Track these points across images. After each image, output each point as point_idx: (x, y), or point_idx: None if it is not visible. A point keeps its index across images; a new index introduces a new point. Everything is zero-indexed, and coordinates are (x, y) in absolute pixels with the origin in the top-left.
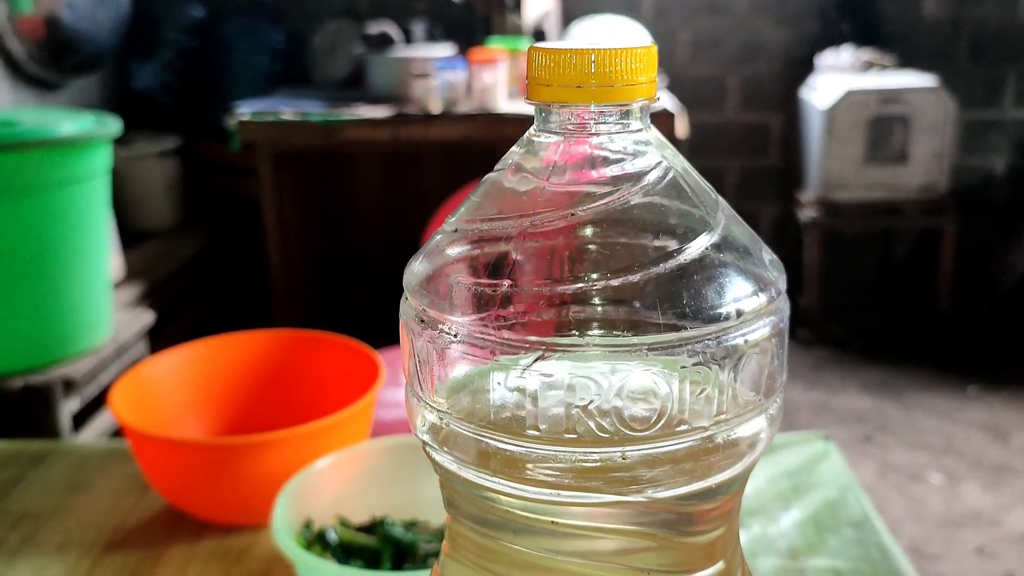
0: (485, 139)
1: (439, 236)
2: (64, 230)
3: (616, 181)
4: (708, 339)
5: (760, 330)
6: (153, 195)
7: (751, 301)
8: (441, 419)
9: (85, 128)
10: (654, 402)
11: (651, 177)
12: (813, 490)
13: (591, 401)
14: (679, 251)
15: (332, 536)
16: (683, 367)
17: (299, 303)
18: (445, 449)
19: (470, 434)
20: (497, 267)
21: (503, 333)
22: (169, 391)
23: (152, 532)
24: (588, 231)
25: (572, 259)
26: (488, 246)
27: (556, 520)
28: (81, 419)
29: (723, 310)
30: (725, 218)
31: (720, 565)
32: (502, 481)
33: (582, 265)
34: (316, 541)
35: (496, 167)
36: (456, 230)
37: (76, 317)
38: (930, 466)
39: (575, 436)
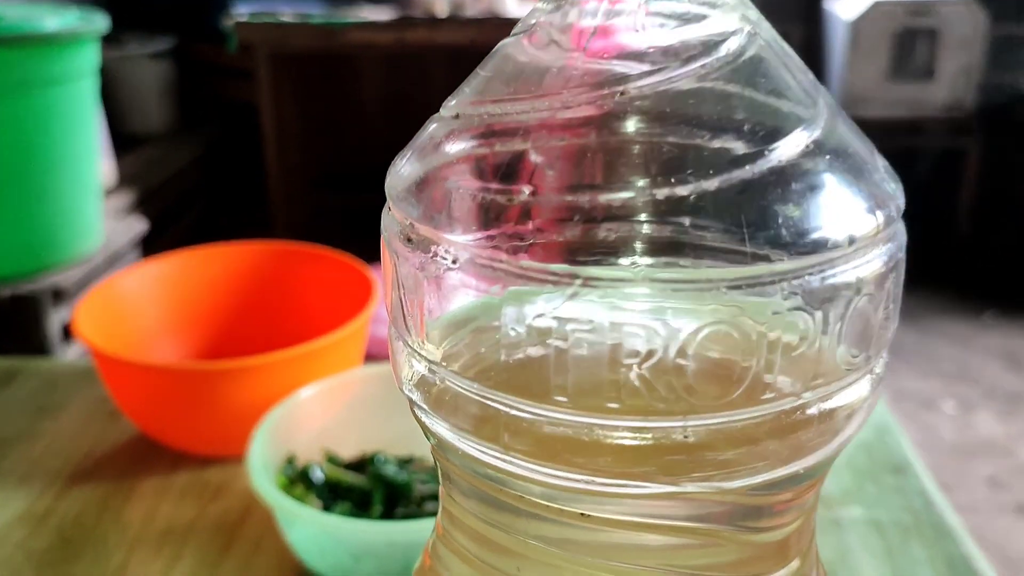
0: (493, 44)
1: (435, 125)
2: (50, 133)
3: (679, 53)
4: (809, 273)
5: (875, 262)
6: (146, 98)
7: (865, 223)
8: (434, 373)
9: (70, 24)
10: (731, 360)
11: (728, 48)
12: None
13: (643, 358)
14: (767, 151)
15: (317, 474)
16: (773, 312)
17: (298, 212)
18: (439, 414)
19: (473, 395)
20: (512, 168)
21: (520, 258)
22: (141, 309)
23: (123, 462)
24: (638, 122)
25: (614, 160)
26: (500, 141)
27: (587, 513)
28: (70, 330)
29: (829, 235)
30: (828, 110)
31: (794, 564)
32: (516, 460)
33: (629, 168)
34: (299, 479)
35: (514, 30)
36: (457, 116)
37: (64, 224)
38: (944, 394)
39: (618, 405)
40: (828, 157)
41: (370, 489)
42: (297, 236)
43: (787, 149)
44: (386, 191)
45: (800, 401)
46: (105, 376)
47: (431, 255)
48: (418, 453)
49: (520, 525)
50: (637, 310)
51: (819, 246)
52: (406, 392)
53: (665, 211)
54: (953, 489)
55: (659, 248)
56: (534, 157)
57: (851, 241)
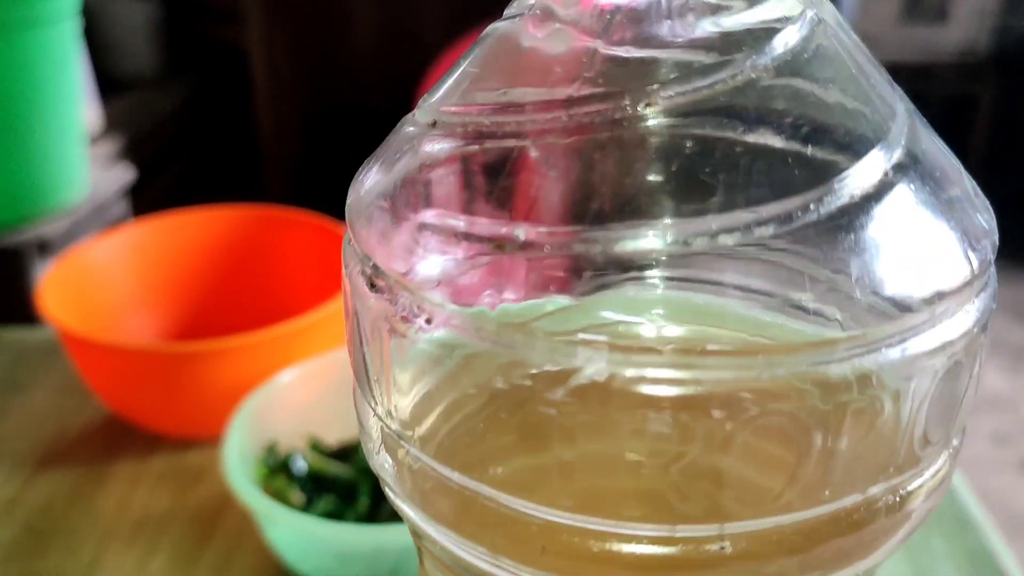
0: None
1: (407, 131)
2: (30, 77)
3: (725, 46)
4: (887, 345)
5: (966, 319)
6: (132, 40)
7: (955, 273)
8: (406, 452)
9: None
10: (781, 454)
11: (786, 42)
12: None
13: (669, 453)
14: (836, 185)
15: (299, 465)
16: (837, 394)
17: (290, 157)
18: (413, 500)
19: (454, 485)
20: (504, 199)
21: (518, 329)
22: (112, 281)
23: (95, 445)
24: (665, 141)
25: (635, 192)
26: (489, 161)
27: None
28: None
29: (910, 293)
30: (907, 118)
31: None
32: (508, 566)
33: (654, 204)
34: (280, 470)
35: (508, 11)
36: (435, 123)
37: (48, 172)
38: None
39: (638, 511)
40: (910, 186)
41: (356, 480)
42: (289, 183)
43: (860, 179)
44: (346, 213)
45: (865, 496)
46: (74, 357)
47: (400, 309)
48: None
49: None
50: (662, 394)
51: (899, 308)
52: (374, 468)
53: (698, 266)
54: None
55: (692, 313)
56: (532, 185)
57: (939, 298)
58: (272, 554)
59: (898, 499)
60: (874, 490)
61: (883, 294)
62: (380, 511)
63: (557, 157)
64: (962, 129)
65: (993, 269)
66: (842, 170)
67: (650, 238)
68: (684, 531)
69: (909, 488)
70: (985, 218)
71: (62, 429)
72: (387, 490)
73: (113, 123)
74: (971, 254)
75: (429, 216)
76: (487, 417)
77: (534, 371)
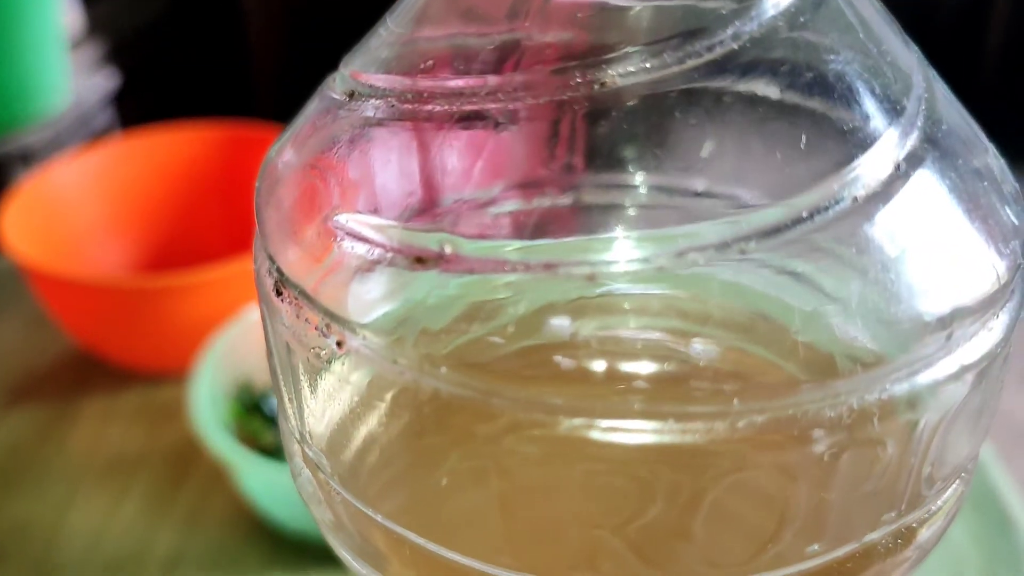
0: None
1: (320, 103)
2: None
3: (696, 16)
4: (891, 379)
5: (988, 337)
6: None
7: (978, 285)
8: (326, 482)
9: None
10: (761, 510)
11: (777, 3)
12: None
13: (626, 514)
14: (837, 180)
15: (274, 405)
16: (828, 439)
17: (280, 65)
18: (339, 538)
19: (379, 523)
20: (428, 200)
21: (440, 367)
22: (79, 207)
23: (65, 381)
24: (625, 133)
25: (588, 209)
26: (412, 144)
27: None
28: None
29: (923, 314)
30: (926, 92)
31: None
32: None
33: (612, 217)
34: (255, 410)
35: None
36: (352, 94)
37: (28, 81)
38: None
39: (591, 572)
40: (926, 180)
41: None
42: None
43: (866, 176)
44: (255, 198)
45: (862, 544)
46: (39, 291)
47: (307, 326)
48: None
49: None
50: (617, 442)
51: (907, 336)
52: (299, 493)
53: (663, 306)
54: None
55: (660, 353)
56: (467, 171)
57: (956, 317)
58: (247, 498)
59: (901, 540)
60: (873, 536)
61: (889, 318)
62: None
63: (494, 146)
64: (978, 27)
65: (1022, 273)
66: (846, 162)
67: (614, 257)
68: None
69: (915, 525)
70: (1015, 210)
71: (30, 365)
72: (314, 516)
73: (96, 28)
74: (997, 260)
75: (340, 216)
76: (416, 455)
77: (467, 408)
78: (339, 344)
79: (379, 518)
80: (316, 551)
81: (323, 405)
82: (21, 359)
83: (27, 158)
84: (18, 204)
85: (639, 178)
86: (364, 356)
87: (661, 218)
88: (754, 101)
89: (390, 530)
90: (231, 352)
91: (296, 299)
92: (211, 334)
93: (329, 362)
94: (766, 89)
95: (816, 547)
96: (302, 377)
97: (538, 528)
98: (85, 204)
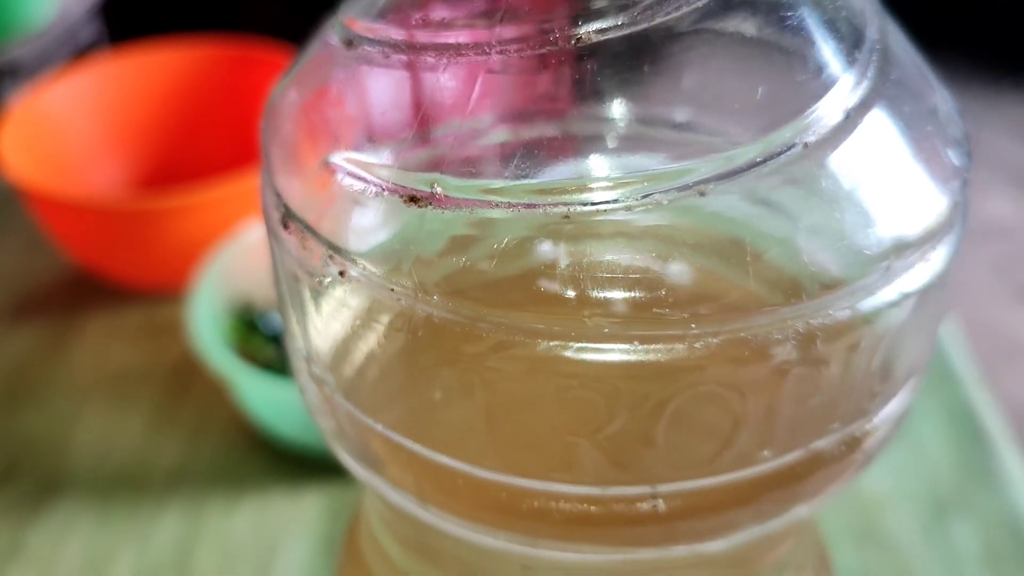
0: None
1: (319, 49)
2: None
3: None
4: (838, 307)
5: (930, 266)
6: None
7: (921, 217)
8: (330, 394)
9: None
10: (718, 420)
11: None
12: None
13: (598, 421)
14: (795, 123)
15: (274, 323)
16: (779, 361)
17: None
18: (342, 445)
19: (380, 434)
20: (421, 139)
21: (432, 295)
22: (74, 127)
23: (67, 300)
24: (600, 85)
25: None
26: (405, 91)
27: (528, 566)
28: None
29: (868, 244)
30: (881, 42)
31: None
32: (436, 513)
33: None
34: (255, 328)
35: None
36: (350, 42)
37: None
38: None
39: (566, 472)
40: (875, 123)
41: None
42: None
43: (818, 122)
44: (260, 136)
45: (810, 450)
46: (36, 212)
47: (311, 256)
48: None
49: (452, 555)
50: (590, 359)
51: (853, 264)
52: (305, 405)
53: (640, 232)
54: (954, 274)
55: (632, 278)
56: (458, 110)
57: (897, 250)
58: (248, 411)
59: (845, 447)
60: (820, 443)
61: (836, 251)
62: None
63: (491, 82)
64: None
65: (964, 208)
66: (801, 110)
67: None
68: (615, 491)
69: (858, 435)
70: (957, 152)
71: (31, 285)
72: (319, 426)
73: None
74: (937, 198)
75: (341, 155)
76: (411, 371)
77: (456, 331)
78: (341, 273)
79: (379, 427)
80: (313, 462)
81: (327, 327)
82: (22, 280)
83: (14, 72)
84: (13, 124)
85: (621, 112)
86: (363, 284)
87: (640, 149)
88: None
89: (388, 438)
90: (228, 270)
91: (301, 231)
92: (208, 252)
93: (332, 289)
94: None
95: (768, 452)
96: (308, 302)
97: (519, 436)
98: (80, 123)
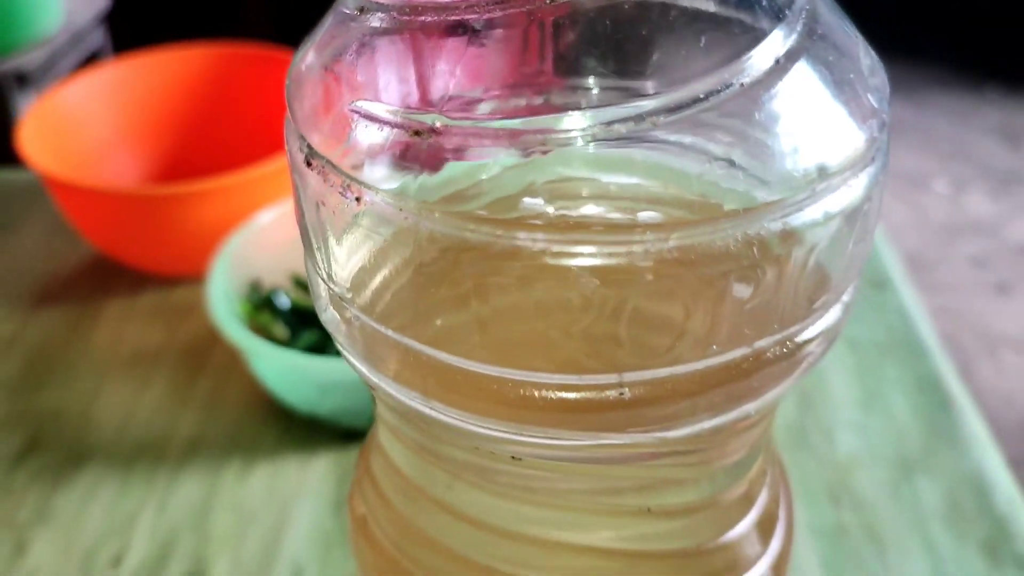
0: None
1: (336, 15)
2: None
3: None
4: (769, 219)
5: (851, 192)
6: None
7: (842, 148)
8: (346, 309)
9: None
10: (674, 313)
11: None
12: None
13: (572, 315)
14: (732, 72)
15: (283, 301)
16: (723, 264)
17: None
18: (356, 351)
19: (390, 339)
20: (425, 86)
21: (436, 210)
22: (90, 122)
23: (89, 283)
24: (575, 33)
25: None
26: (410, 49)
27: (517, 456)
28: None
29: (795, 168)
30: (809, 5)
31: (745, 484)
32: (439, 408)
33: (567, 99)
34: (265, 306)
35: None
36: (362, 9)
37: (21, 3)
38: (937, 173)
39: (546, 362)
40: (803, 70)
41: None
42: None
43: (753, 66)
44: (285, 93)
45: (753, 349)
46: (58, 200)
47: (332, 187)
48: None
49: (449, 462)
50: (567, 268)
51: (784, 183)
52: (324, 324)
53: (602, 140)
54: (936, 268)
55: (593, 196)
56: (453, 72)
57: (822, 174)
58: (261, 384)
59: (786, 350)
60: (761, 343)
61: (770, 174)
62: None
63: (473, 48)
64: None
65: (886, 138)
66: (738, 57)
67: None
68: (588, 379)
69: (797, 340)
70: (875, 97)
71: (53, 269)
72: (336, 343)
73: None
74: (858, 132)
75: (357, 101)
76: (416, 281)
77: (454, 245)
78: (357, 200)
79: (389, 333)
80: (324, 430)
81: (345, 248)
82: (45, 265)
83: (22, 78)
84: (34, 121)
85: (593, 72)
86: (376, 207)
87: (608, 100)
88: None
89: (398, 342)
90: (241, 254)
91: (323, 167)
92: (220, 239)
93: (350, 214)
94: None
95: (715, 347)
96: (328, 229)
97: (508, 333)
98: (94, 121)
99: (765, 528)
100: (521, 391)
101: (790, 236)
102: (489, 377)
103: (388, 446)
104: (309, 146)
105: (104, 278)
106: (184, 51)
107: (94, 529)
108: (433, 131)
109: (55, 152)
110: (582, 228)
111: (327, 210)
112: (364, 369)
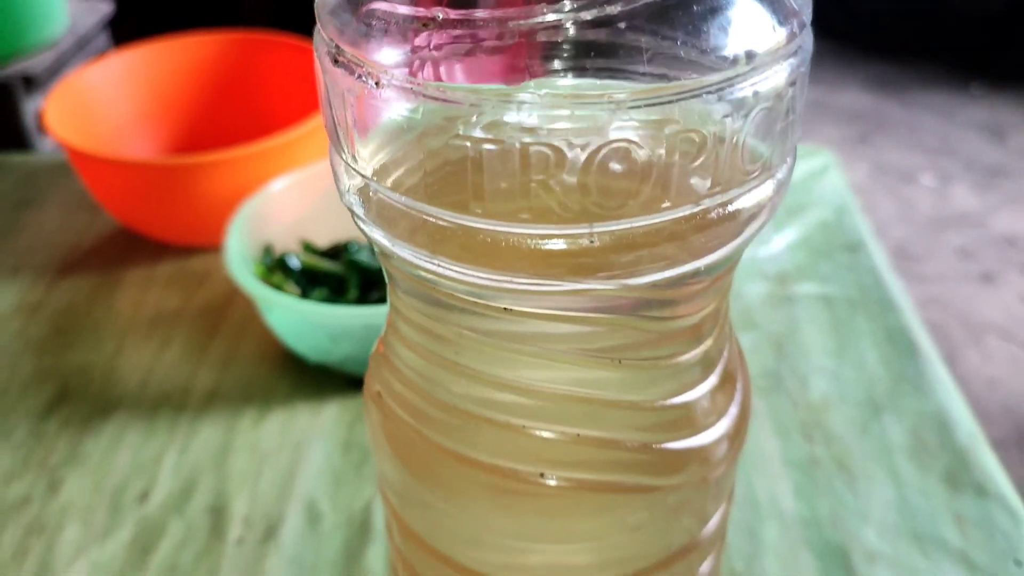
0: None
1: None
2: None
3: None
4: (706, 92)
5: (775, 77)
6: None
7: (766, 39)
8: (367, 186)
9: None
10: (631, 172)
11: None
12: (808, 210)
13: (550, 172)
14: None
15: (294, 262)
16: (670, 128)
17: None
18: (375, 223)
19: (403, 207)
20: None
21: (438, 84)
22: (110, 102)
23: (109, 253)
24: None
25: None
26: None
27: (509, 307)
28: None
29: (727, 52)
30: None
31: (705, 345)
32: (443, 263)
33: None
34: (277, 268)
35: None
36: None
37: (27, 7)
38: (923, 167)
39: (529, 215)
40: None
41: (345, 275)
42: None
43: None
44: (315, 8)
45: (698, 208)
46: (81, 172)
47: (356, 77)
48: None
49: (454, 318)
50: (547, 127)
51: (716, 65)
52: (346, 204)
53: (578, 33)
54: (923, 259)
55: (570, 68)
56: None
57: (749, 57)
58: (273, 340)
59: (727, 213)
60: (706, 202)
61: (705, 56)
62: (367, 301)
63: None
64: None
65: (807, 38)
66: None
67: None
68: (565, 229)
69: (737, 204)
70: (797, 3)
71: (76, 242)
72: (357, 221)
73: None
74: (780, 28)
75: (376, 5)
76: (423, 149)
77: (452, 119)
78: (377, 84)
79: (401, 199)
80: (333, 379)
81: (366, 127)
82: (69, 237)
83: (29, 80)
84: (57, 101)
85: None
86: (393, 87)
87: None
88: None
89: (409, 206)
90: (253, 221)
91: (347, 60)
92: (231, 212)
93: (371, 99)
94: None
95: (667, 203)
96: (353, 117)
97: (496, 187)
98: (114, 103)
99: (722, 396)
100: (511, 240)
101: (727, 109)
102: (484, 231)
103: (402, 327)
104: (337, 46)
105: (124, 249)
106: (198, 37)
107: (122, 469)
108: (435, 20)
109: (77, 130)
110: (558, 92)
111: (352, 97)
112: (382, 238)
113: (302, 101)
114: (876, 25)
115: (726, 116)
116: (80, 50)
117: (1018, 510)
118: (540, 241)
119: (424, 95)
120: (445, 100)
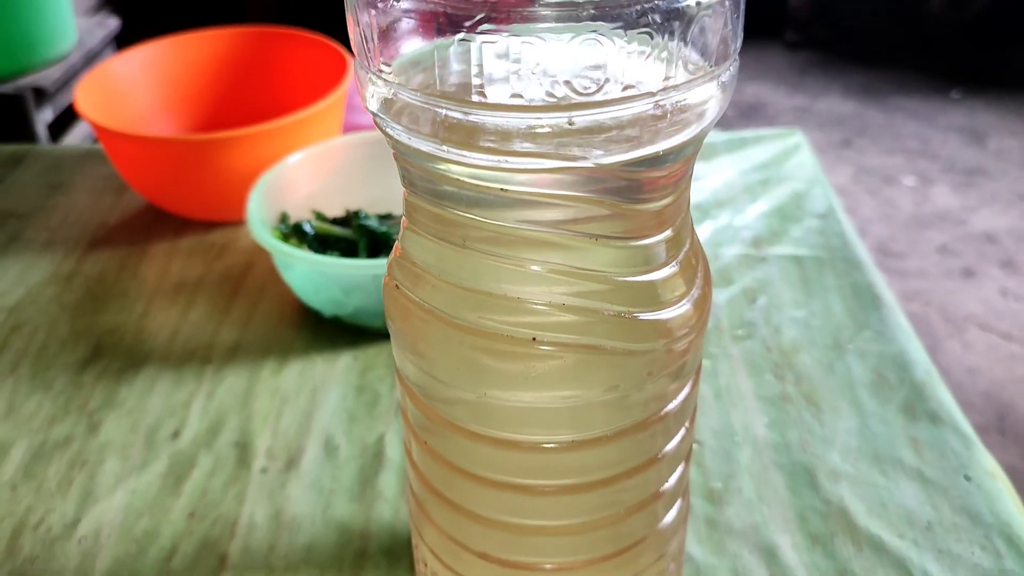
0: None
1: None
2: None
3: None
4: (655, 2)
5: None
6: None
7: None
8: (391, 91)
9: None
10: (601, 68)
11: None
12: (781, 183)
13: (537, 66)
14: None
15: (308, 228)
16: (629, 32)
17: (274, 11)
18: (396, 122)
19: (420, 104)
20: None
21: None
22: (136, 89)
23: (134, 229)
24: None
25: None
26: None
27: (505, 187)
28: (56, 131)
29: None
30: None
31: (668, 232)
32: (452, 149)
33: None
34: (292, 233)
35: None
36: None
37: (38, 24)
38: (905, 169)
39: (521, 101)
40: None
41: (355, 240)
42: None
43: None
44: None
45: (655, 98)
46: (109, 151)
47: (385, 5)
48: (396, 211)
49: (460, 205)
50: (533, 33)
51: None
52: (370, 109)
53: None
54: (906, 257)
55: None
56: None
57: None
58: (290, 301)
59: (680, 104)
60: (661, 95)
61: None
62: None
63: None
64: None
65: None
66: None
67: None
68: (550, 116)
69: (687, 100)
70: None
71: (103, 220)
72: (380, 123)
73: None
74: None
75: None
76: (435, 59)
77: (464, 14)
78: (398, 2)
79: (418, 96)
80: (346, 333)
81: (391, 41)
82: (97, 216)
83: (40, 92)
84: (87, 88)
85: None
86: (414, 6)
87: None
88: None
89: (426, 101)
90: (271, 191)
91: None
92: (248, 188)
93: (391, 12)
94: None
95: (632, 91)
96: (376, 26)
97: (495, 80)
98: (139, 91)
99: (684, 280)
100: (505, 124)
101: (671, 14)
102: (482, 116)
103: (418, 221)
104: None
105: (149, 225)
106: (214, 31)
107: (155, 411)
108: None
109: (105, 114)
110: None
111: (372, 10)
112: (400, 133)
113: (310, 88)
114: (858, 35)
115: (672, 20)
116: (88, 64)
117: (969, 434)
118: (530, 124)
119: (437, 6)
120: (458, 12)
